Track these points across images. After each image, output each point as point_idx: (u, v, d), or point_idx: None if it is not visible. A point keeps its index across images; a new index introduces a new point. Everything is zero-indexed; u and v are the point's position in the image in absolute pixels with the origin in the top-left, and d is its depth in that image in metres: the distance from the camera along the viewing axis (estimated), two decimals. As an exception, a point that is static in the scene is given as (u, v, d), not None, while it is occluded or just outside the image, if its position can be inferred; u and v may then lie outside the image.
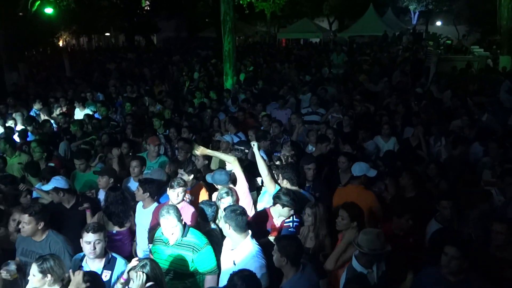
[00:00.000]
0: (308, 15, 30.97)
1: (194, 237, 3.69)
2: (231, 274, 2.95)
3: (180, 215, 3.63)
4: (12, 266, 3.54)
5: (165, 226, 3.56)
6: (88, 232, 3.37)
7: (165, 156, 6.52)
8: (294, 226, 4.22)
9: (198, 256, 3.61)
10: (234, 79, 11.87)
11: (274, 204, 4.19)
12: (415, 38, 24.59)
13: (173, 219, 3.53)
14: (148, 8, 36.08)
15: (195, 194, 4.93)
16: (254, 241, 3.64)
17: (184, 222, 3.72)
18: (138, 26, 32.36)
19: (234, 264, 3.57)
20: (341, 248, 3.79)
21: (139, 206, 4.63)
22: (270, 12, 28.96)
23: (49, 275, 3.13)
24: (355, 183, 4.81)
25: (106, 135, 7.11)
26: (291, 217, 4.20)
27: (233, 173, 4.77)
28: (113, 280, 3.47)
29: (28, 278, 3.17)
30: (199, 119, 8.45)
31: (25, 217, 3.74)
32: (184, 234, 3.65)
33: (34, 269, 3.12)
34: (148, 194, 4.49)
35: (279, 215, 4.20)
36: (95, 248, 3.38)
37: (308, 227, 4.11)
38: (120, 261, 3.56)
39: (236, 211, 3.59)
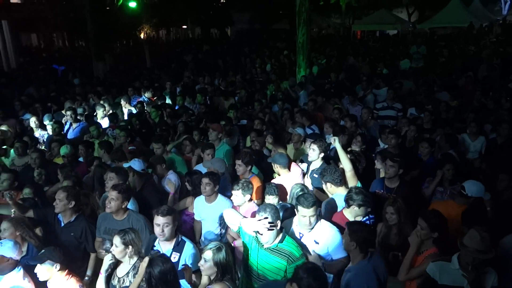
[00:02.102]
0: (386, 6, 29.64)
1: (290, 246, 3.41)
2: (295, 268, 2.95)
3: (279, 217, 3.44)
4: (108, 244, 3.77)
5: (257, 222, 3.35)
6: (157, 215, 3.51)
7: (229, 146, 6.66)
8: (371, 223, 4.15)
9: (292, 267, 3.26)
10: (307, 71, 11.78)
11: (349, 206, 4.03)
12: (504, 30, 22.55)
13: (269, 218, 3.33)
14: (224, 1, 36.83)
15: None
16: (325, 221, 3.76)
17: (281, 227, 3.48)
18: (213, 19, 33.18)
19: (317, 243, 3.66)
20: (410, 256, 3.61)
21: (201, 200, 4.61)
22: (345, 3, 28.18)
23: (130, 247, 3.36)
24: (461, 202, 4.31)
25: (182, 124, 7.42)
26: (367, 215, 4.10)
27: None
28: (181, 262, 3.60)
29: (111, 249, 3.41)
30: (271, 111, 8.50)
31: (114, 194, 3.98)
32: (280, 240, 3.42)
33: (116, 240, 3.36)
34: (217, 187, 4.51)
35: (355, 216, 4.02)
36: (163, 231, 3.50)
37: (390, 225, 4.00)
38: (188, 245, 3.67)
39: (305, 195, 3.69)
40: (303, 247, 3.60)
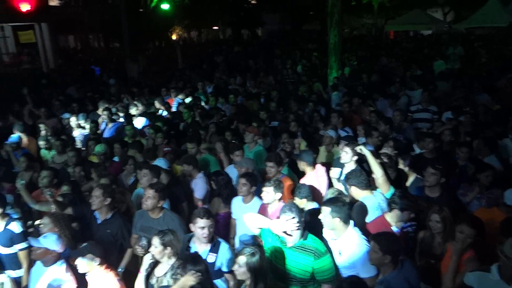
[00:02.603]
0: (420, 6, 28.96)
1: (315, 241, 3.49)
2: (340, 280, 2.95)
3: (302, 215, 3.50)
4: (144, 241, 3.89)
5: (285, 222, 3.40)
6: (202, 218, 3.55)
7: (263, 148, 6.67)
8: (413, 230, 4.06)
9: (319, 262, 3.37)
10: (339, 72, 11.67)
11: (391, 210, 3.93)
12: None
13: (296, 218, 3.39)
14: (255, 2, 37.01)
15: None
16: (356, 229, 3.64)
17: (304, 225, 3.52)
18: (244, 20, 33.41)
19: (340, 254, 3.59)
20: (456, 264, 3.50)
21: (239, 200, 4.65)
22: (378, 3, 27.74)
23: (168, 248, 3.42)
24: (506, 211, 4.14)
25: (214, 124, 7.50)
26: (409, 221, 4.01)
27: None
28: (217, 263, 3.66)
29: (149, 249, 3.49)
30: (305, 112, 8.48)
31: (151, 192, 4.08)
32: (304, 237, 3.48)
33: (156, 241, 3.43)
34: (254, 188, 4.53)
35: (398, 221, 3.91)
36: (209, 233, 3.57)
37: (432, 233, 3.88)
38: (224, 245, 3.73)
39: (343, 203, 3.61)
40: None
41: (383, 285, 3.26)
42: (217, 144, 6.29)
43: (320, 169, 5.24)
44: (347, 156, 5.00)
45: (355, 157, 5.05)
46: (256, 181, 4.60)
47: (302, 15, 34.33)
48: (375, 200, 4.25)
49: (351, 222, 3.66)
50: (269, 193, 4.24)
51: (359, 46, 20.42)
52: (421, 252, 3.95)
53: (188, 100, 10.20)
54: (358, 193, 4.33)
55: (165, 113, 9.22)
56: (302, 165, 5.18)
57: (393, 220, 3.92)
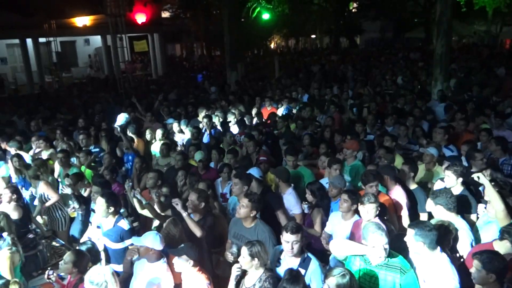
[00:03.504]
0: (545, 10, 25.82)
1: (399, 258, 3.46)
2: None
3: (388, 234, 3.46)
4: (235, 249, 4.04)
5: (375, 243, 3.38)
6: (287, 232, 3.55)
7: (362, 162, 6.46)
8: None
9: (405, 278, 3.33)
10: (445, 85, 10.87)
11: (502, 239, 3.62)
12: None
13: (385, 238, 3.36)
14: (356, 10, 36.28)
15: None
16: (445, 256, 3.42)
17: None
18: (343, 28, 32.93)
19: (424, 282, 3.41)
20: None
21: (338, 215, 4.58)
22: (493, 9, 25.33)
23: (256, 259, 3.48)
24: None
25: (308, 136, 7.47)
26: None
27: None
28: (306, 278, 3.58)
29: (239, 259, 3.59)
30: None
31: (245, 201, 4.20)
32: (388, 254, 3.44)
33: (244, 252, 3.52)
34: (355, 206, 4.38)
35: (507, 252, 3.57)
36: (292, 248, 3.55)
37: None
38: (314, 262, 3.67)
39: (430, 228, 3.41)
40: None
41: None
42: (322, 159, 6.21)
43: (398, 190, 5.01)
44: (450, 180, 4.66)
45: (460, 179, 4.68)
46: (358, 199, 4.43)
47: (406, 22, 32.81)
48: (462, 225, 4.07)
49: (439, 249, 3.45)
50: (369, 212, 4.08)
51: (470, 56, 18.84)
52: None
53: (282, 109, 10.32)
54: (442, 215, 4.11)
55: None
56: (386, 181, 4.97)
57: (501, 251, 3.56)
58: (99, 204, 4.56)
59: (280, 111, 10.35)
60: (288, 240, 3.54)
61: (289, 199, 5.24)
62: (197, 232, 4.42)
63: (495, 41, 27.24)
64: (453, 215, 4.10)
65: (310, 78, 16.15)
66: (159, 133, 8.12)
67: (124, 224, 4.60)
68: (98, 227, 4.87)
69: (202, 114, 9.46)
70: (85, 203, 5.81)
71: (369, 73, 16.01)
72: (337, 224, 4.55)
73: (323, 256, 4.50)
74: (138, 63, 28.02)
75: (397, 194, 4.99)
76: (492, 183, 4.33)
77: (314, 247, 4.82)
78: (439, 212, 4.15)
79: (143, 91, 15.83)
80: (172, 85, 16.70)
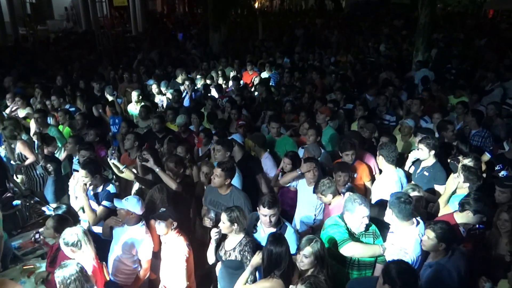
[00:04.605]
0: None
1: (372, 226, 3.73)
2: (388, 262, 3.01)
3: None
4: (212, 214, 4.19)
5: (362, 214, 3.56)
6: (264, 207, 3.67)
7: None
8: (479, 232, 3.93)
9: (380, 241, 3.65)
10: (426, 55, 10.94)
11: (463, 210, 3.83)
12: None
13: (367, 209, 3.56)
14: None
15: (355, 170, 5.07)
16: (416, 230, 3.60)
17: None
18: (328, -11, 32.14)
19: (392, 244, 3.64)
20: None
21: (304, 183, 4.72)
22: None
23: (235, 224, 3.62)
24: None
25: (289, 103, 7.53)
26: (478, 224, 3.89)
27: None
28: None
29: (219, 224, 3.72)
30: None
31: (218, 171, 4.31)
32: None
33: (224, 217, 3.65)
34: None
35: (467, 222, 3.85)
36: (270, 221, 3.70)
37: (500, 232, 3.75)
38: (289, 229, 3.84)
39: (403, 200, 3.59)
40: None
41: (431, 268, 3.33)
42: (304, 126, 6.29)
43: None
44: (423, 153, 4.84)
45: (432, 152, 4.86)
46: (322, 171, 4.64)
47: (393, -15, 32.21)
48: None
49: (415, 221, 3.63)
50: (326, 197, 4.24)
51: (453, 25, 18.82)
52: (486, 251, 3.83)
53: (264, 74, 10.28)
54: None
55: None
56: (379, 159, 4.88)
57: (462, 221, 3.85)
58: (83, 174, 4.56)
59: (263, 76, 10.30)
60: (265, 214, 3.67)
61: (266, 162, 5.47)
62: (172, 185, 4.57)
63: (479, 10, 27.19)
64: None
65: (294, 41, 15.99)
66: (134, 95, 8.00)
67: (112, 188, 4.67)
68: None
69: (181, 77, 9.33)
70: (55, 163, 5.82)
71: (353, 39, 15.93)
72: (303, 189, 4.71)
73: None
74: (117, 18, 26.99)
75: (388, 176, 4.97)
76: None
77: (290, 214, 5.01)
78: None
79: (122, 48, 15.41)
80: (152, 43, 16.26)
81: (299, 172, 4.65)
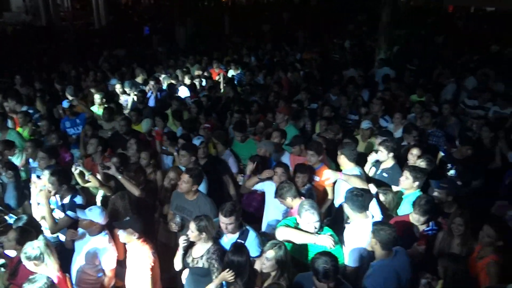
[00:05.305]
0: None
1: (329, 232, 3.82)
2: (314, 254, 3.25)
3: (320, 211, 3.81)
4: (178, 219, 4.24)
5: (308, 220, 3.70)
6: (221, 215, 3.76)
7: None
8: (432, 233, 4.15)
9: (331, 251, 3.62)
10: (388, 53, 11.21)
11: (414, 211, 4.08)
12: None
13: (317, 216, 3.69)
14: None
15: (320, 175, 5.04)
16: (368, 222, 3.79)
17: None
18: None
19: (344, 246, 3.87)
20: None
21: (272, 186, 4.75)
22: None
23: (204, 233, 3.67)
24: None
25: (256, 104, 7.56)
26: (430, 224, 4.13)
27: None
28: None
29: (187, 233, 3.76)
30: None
31: (186, 177, 4.35)
32: (321, 229, 3.79)
33: (192, 227, 3.69)
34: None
35: (418, 222, 4.10)
36: (226, 228, 3.79)
37: (453, 235, 3.98)
38: (251, 233, 3.92)
39: (353, 192, 3.85)
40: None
41: (372, 268, 3.52)
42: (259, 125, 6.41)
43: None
44: (382, 155, 5.04)
45: (391, 154, 5.06)
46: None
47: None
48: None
49: (369, 215, 3.88)
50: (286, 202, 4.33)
51: (415, 21, 19.23)
52: (439, 252, 4.03)
53: (231, 73, 10.29)
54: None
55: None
56: (341, 158, 4.98)
57: (415, 221, 4.10)
58: (50, 182, 4.49)
59: (230, 74, 10.32)
60: (223, 222, 3.76)
61: (228, 159, 5.68)
62: (135, 191, 4.58)
63: (440, 5, 27.87)
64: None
65: (261, 37, 16.01)
66: (97, 97, 7.81)
67: (79, 199, 4.60)
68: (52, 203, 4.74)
69: (141, 76, 9.18)
70: (13, 169, 5.66)
71: (318, 35, 16.09)
72: (270, 192, 4.74)
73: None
74: (78, 10, 26.09)
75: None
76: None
77: (257, 216, 5.09)
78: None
79: (86, 44, 14.97)
80: (117, 38, 15.89)
81: (259, 177, 4.74)
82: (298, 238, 3.77)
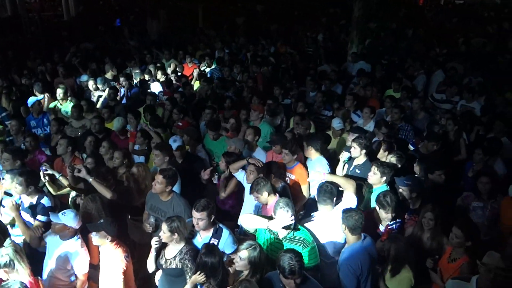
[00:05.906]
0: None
1: (304, 233, 3.85)
2: (280, 251, 3.40)
3: (294, 209, 3.83)
4: (152, 219, 4.26)
5: (282, 218, 3.72)
6: (193, 209, 3.80)
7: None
8: (397, 227, 4.27)
9: (305, 252, 3.69)
10: (360, 47, 11.31)
11: (378, 207, 4.22)
12: None
13: (291, 213, 3.71)
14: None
15: (295, 173, 5.15)
16: (334, 215, 4.01)
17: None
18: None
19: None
20: None
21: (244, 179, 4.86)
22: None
23: (176, 234, 3.68)
24: None
25: (229, 100, 7.51)
26: (394, 220, 4.24)
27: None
28: (219, 247, 3.85)
29: (160, 234, 3.76)
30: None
31: (160, 178, 4.33)
32: (296, 228, 3.82)
33: (164, 228, 3.69)
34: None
35: (383, 218, 4.25)
36: (198, 224, 3.80)
37: (424, 228, 4.11)
38: (225, 232, 3.97)
39: (322, 187, 4.16)
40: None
41: (345, 252, 3.76)
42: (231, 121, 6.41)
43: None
44: (355, 151, 5.13)
45: (364, 151, 5.15)
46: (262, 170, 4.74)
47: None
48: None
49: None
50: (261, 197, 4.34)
51: (387, 14, 19.44)
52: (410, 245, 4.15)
53: (205, 69, 10.18)
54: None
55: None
56: (309, 150, 5.20)
57: (380, 216, 4.26)
58: (18, 182, 4.37)
59: (202, 69, 10.21)
60: (195, 216, 3.79)
61: (200, 155, 5.80)
62: (107, 194, 4.54)
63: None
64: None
65: (235, 30, 15.87)
66: (59, 92, 7.54)
67: (46, 200, 4.50)
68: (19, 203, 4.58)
69: (110, 72, 8.99)
70: None
71: (292, 28, 16.06)
72: (246, 189, 4.83)
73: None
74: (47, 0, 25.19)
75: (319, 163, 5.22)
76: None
77: (232, 213, 5.16)
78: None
79: (54, 37, 14.49)
80: (87, 30, 15.43)
81: (247, 160, 4.82)
82: (254, 223, 3.98)
